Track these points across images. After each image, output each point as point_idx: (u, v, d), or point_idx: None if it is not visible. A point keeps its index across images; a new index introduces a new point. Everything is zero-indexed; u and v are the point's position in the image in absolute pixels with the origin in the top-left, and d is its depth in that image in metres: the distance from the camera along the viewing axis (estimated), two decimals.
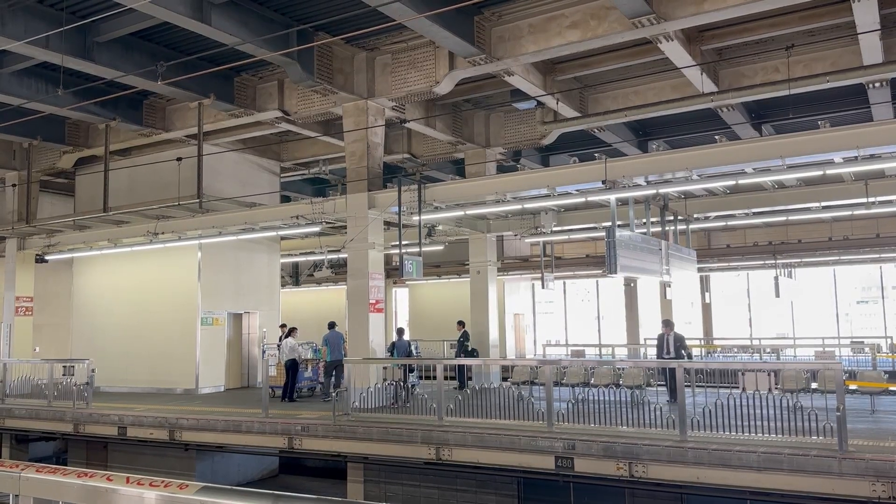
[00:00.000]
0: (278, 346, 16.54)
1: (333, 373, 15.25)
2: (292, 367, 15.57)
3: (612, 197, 12.35)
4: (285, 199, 21.33)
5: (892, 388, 11.57)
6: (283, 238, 21.32)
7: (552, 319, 32.46)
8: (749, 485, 8.55)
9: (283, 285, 24.17)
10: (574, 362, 15.78)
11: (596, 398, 10.68)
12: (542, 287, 20.91)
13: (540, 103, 15.40)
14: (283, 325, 17.28)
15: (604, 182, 11.57)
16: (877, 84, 13.56)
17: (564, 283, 30.69)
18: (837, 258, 24.02)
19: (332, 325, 15.56)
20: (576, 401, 10.73)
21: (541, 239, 20.51)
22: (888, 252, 22.66)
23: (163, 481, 2.65)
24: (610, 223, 12.07)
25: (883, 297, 27.42)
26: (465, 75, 13.24)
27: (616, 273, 11.60)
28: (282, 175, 20.76)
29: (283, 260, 23.02)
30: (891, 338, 22.27)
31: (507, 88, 15.20)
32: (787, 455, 8.41)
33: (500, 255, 22.31)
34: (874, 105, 14.84)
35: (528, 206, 14.53)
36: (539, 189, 13.08)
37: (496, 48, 12.35)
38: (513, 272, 26.82)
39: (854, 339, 21.90)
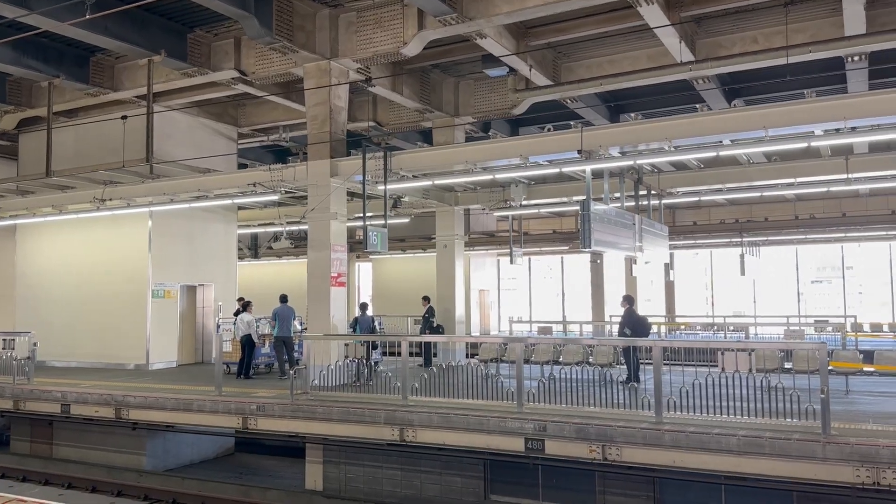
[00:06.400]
0: (234, 321, 15.78)
1: (284, 349, 14.69)
2: (248, 343, 14.88)
3: (587, 168, 11.82)
4: (243, 168, 20.37)
5: (866, 369, 11.39)
6: (240, 208, 20.44)
7: (516, 296, 32.20)
8: (729, 469, 8.21)
9: (240, 257, 23.31)
10: (543, 340, 15.37)
11: (567, 377, 10.27)
12: (511, 262, 20.44)
13: (512, 70, 14.74)
14: (240, 299, 16.52)
15: (580, 152, 11.02)
16: (856, 58, 13.21)
17: (530, 260, 30.37)
18: (803, 237, 24.08)
19: (283, 299, 14.89)
20: (546, 380, 10.30)
21: (509, 213, 19.99)
22: (853, 231, 22.73)
23: None
24: (584, 196, 11.55)
25: (844, 277, 27.69)
26: (434, 36, 12.50)
27: (590, 247, 11.13)
28: (239, 141, 19.79)
29: (240, 231, 22.15)
30: (854, 317, 22.39)
31: (478, 54, 14.51)
32: (768, 439, 8.06)
33: (467, 230, 21.76)
34: (850, 79, 14.51)
35: (500, 176, 13.95)
36: (511, 159, 12.50)
37: (468, 7, 11.63)
38: (479, 247, 26.37)
39: (818, 319, 21.95)
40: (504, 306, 31.17)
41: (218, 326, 13.71)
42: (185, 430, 13.36)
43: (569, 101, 16.04)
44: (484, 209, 19.50)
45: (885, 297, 25.86)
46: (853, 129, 11.04)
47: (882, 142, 15.25)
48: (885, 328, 21.07)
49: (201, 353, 18.85)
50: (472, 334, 23.93)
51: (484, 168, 13.41)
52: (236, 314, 15.65)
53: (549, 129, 13.03)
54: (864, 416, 9.32)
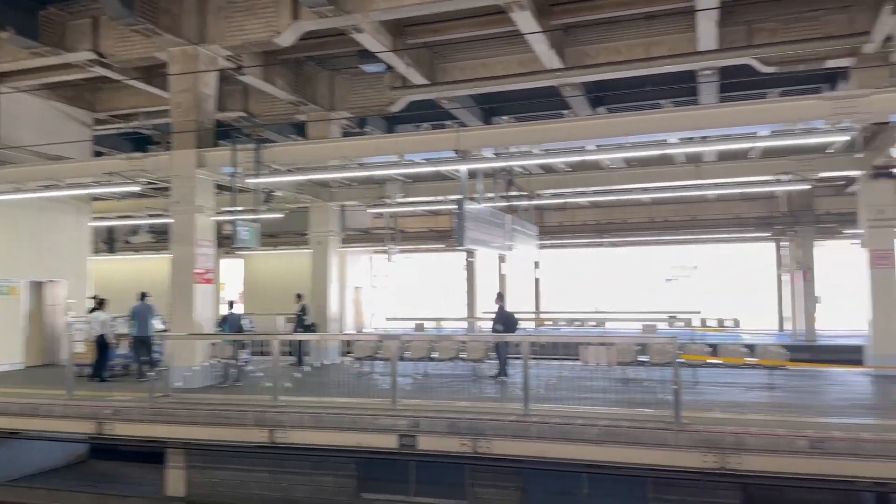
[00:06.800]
0: (87, 319, 14.72)
1: (143, 350, 13.94)
2: (103, 344, 13.94)
3: (462, 168, 12.01)
4: (99, 156, 19.02)
5: (712, 361, 12.32)
6: (95, 199, 19.08)
7: (391, 293, 32.23)
8: (590, 458, 8.61)
9: (95, 252, 21.80)
10: (417, 337, 15.46)
11: (441, 373, 10.40)
12: (389, 260, 20.42)
13: (389, 67, 14.71)
14: (94, 297, 15.43)
15: (457, 152, 11.18)
16: (707, 72, 14.26)
17: (405, 258, 30.48)
18: (657, 238, 25.73)
19: (142, 296, 14.11)
20: (421, 376, 10.39)
21: (386, 210, 19.95)
22: (702, 234, 24.57)
23: None
24: (459, 195, 11.74)
25: (693, 277, 29.86)
26: (310, 27, 12.22)
27: (464, 245, 11.33)
28: (95, 127, 18.43)
29: (95, 223, 20.70)
30: (699, 312, 24.18)
31: (355, 48, 14.34)
32: (625, 428, 8.54)
33: (343, 226, 21.53)
34: (702, 91, 15.58)
35: (376, 173, 13.87)
36: (388, 156, 12.47)
37: (345, 0, 11.48)
38: (354, 244, 26.13)
39: (670, 315, 23.49)
40: (379, 304, 31.10)
41: (69, 325, 12.77)
42: (32, 437, 12.32)
43: (445, 101, 16.21)
44: (361, 206, 19.36)
45: (730, 294, 28.08)
46: (704, 138, 11.91)
47: (729, 151, 16.59)
48: (729, 323, 22.94)
49: (50, 353, 17.43)
50: (347, 332, 23.69)
51: (360, 164, 13.31)
52: (91, 312, 14.61)
53: (425, 128, 13.12)
54: (711, 405, 10.07)
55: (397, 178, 17.01)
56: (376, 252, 27.96)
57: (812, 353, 18.55)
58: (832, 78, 14.96)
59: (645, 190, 18.07)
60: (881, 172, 13.63)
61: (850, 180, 17.34)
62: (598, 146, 12.43)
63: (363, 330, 27.56)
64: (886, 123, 11.88)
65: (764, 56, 12.97)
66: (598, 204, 25.44)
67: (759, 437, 8.07)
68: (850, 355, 15.62)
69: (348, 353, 16.10)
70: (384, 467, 10.24)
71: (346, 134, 17.57)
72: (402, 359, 13.07)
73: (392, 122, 19.03)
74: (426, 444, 9.36)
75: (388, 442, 9.49)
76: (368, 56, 14.11)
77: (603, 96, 17.29)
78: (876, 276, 13.57)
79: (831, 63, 13.27)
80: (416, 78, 14.82)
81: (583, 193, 20.04)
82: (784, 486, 8.25)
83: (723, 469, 8.02)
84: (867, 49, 12.14)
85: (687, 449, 8.19)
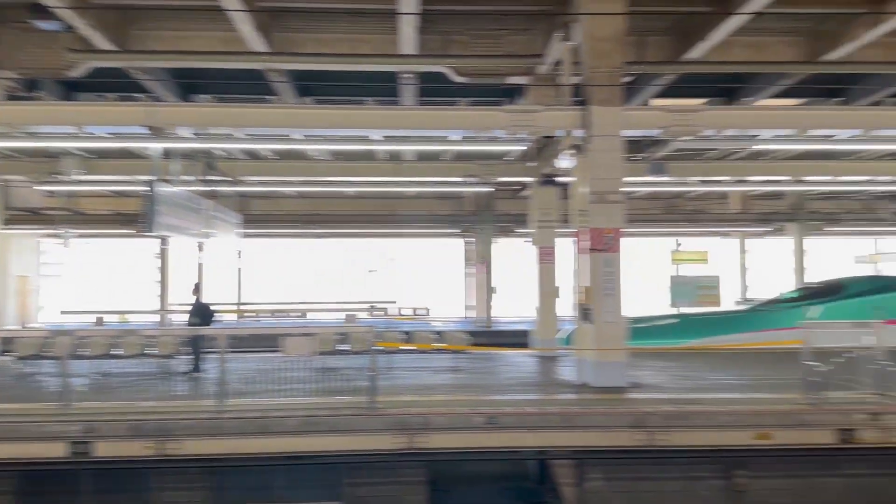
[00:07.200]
0: None
1: None
2: None
3: (155, 146, 11.07)
4: None
5: (406, 347, 13.09)
6: None
7: (65, 284, 28.65)
8: (288, 450, 8.58)
9: None
10: (96, 332, 13.91)
11: (124, 371, 9.51)
12: (64, 245, 18.04)
13: (69, 27, 12.94)
14: None
15: (150, 128, 10.25)
16: (408, 75, 15.00)
17: (86, 242, 27.24)
18: (363, 230, 26.61)
19: None
20: (100, 375, 9.38)
21: (61, 188, 17.60)
22: (401, 228, 25.99)
23: None
24: (150, 176, 10.81)
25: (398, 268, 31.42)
26: None
27: (153, 231, 10.47)
28: None
29: None
30: (394, 302, 25.66)
31: (25, 1, 12.39)
32: (323, 417, 8.66)
33: (4, 205, 18.52)
34: (403, 93, 16.32)
35: (49, 145, 12.15)
36: (63, 126, 10.99)
37: None
38: (19, 226, 22.64)
39: (372, 304, 24.49)
40: (51, 295, 27.41)
41: None
42: None
43: (137, 71, 14.76)
44: (28, 182, 16.82)
45: (426, 285, 30.11)
46: (405, 137, 12.56)
47: (426, 152, 17.71)
48: (422, 312, 24.71)
49: None
50: (7, 328, 20.52)
51: (29, 133, 11.55)
52: None
53: (112, 100, 11.83)
54: (403, 389, 10.65)
55: (76, 153, 15.08)
56: (48, 236, 24.55)
57: (489, 337, 20.57)
58: (513, 93, 16.78)
59: (350, 183, 18.48)
60: (547, 180, 15.72)
61: (524, 185, 19.59)
62: (305, 136, 12.39)
63: (28, 325, 24.06)
64: (552, 137, 13.67)
65: (456, 66, 14.02)
66: (305, 195, 25.42)
67: (442, 416, 8.75)
68: (519, 339, 17.71)
69: (7, 351, 13.89)
70: (53, 479, 9.04)
71: (10, 98, 15.09)
72: (76, 357, 11.68)
73: (71, 89, 16.82)
74: (105, 450, 8.51)
75: (57, 450, 8.43)
76: (43, 11, 12.26)
77: (311, 86, 17.23)
78: (542, 270, 15.61)
79: (513, 79, 14.87)
80: (101, 42, 13.23)
81: (289, 183, 19.82)
82: (463, 460, 9.06)
83: (411, 448, 8.54)
84: (541, 70, 13.82)
85: (380, 433, 8.56)
